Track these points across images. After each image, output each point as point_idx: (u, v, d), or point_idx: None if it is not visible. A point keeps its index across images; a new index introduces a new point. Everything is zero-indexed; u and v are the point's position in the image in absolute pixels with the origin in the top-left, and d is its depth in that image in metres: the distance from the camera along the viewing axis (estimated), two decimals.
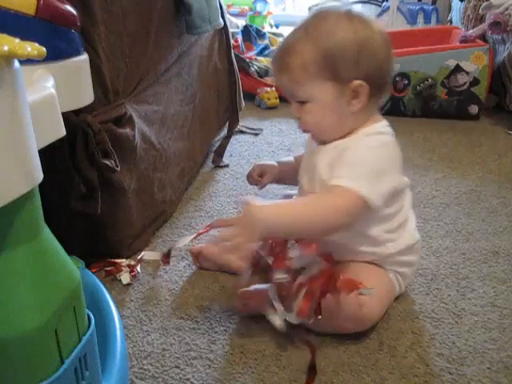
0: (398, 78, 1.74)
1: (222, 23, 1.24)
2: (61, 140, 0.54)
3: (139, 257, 0.94)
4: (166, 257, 0.89)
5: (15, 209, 0.41)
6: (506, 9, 1.67)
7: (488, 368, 0.71)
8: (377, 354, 0.74)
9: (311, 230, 0.72)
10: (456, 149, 1.51)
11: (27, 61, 0.40)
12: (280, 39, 2.49)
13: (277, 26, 3.15)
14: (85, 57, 0.66)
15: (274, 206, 0.74)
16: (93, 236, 0.90)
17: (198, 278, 0.90)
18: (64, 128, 0.54)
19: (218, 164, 1.37)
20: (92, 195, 0.82)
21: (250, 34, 2.31)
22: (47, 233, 0.46)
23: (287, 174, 0.93)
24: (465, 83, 1.71)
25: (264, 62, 2.04)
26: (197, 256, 0.91)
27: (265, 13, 3.11)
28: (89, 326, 0.51)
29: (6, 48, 0.36)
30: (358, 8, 3.32)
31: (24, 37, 0.39)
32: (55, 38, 0.61)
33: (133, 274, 0.90)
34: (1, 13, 0.56)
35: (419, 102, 1.75)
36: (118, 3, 0.83)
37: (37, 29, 0.58)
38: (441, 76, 1.71)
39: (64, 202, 0.81)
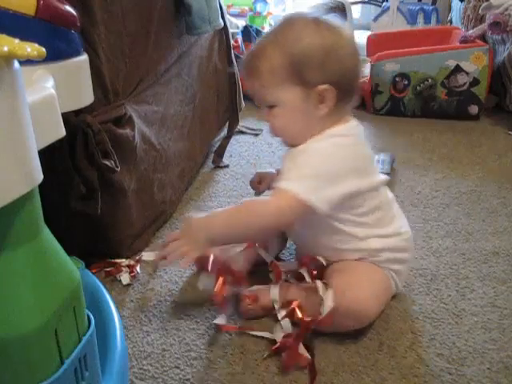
0: (398, 79, 1.74)
1: (222, 24, 1.24)
2: (61, 140, 0.54)
3: (139, 257, 0.94)
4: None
5: (15, 209, 0.41)
6: (506, 9, 1.67)
7: (488, 368, 0.71)
8: (377, 354, 0.74)
9: (249, 232, 0.76)
10: (456, 149, 1.51)
11: (27, 61, 0.40)
12: None
13: None
14: (85, 57, 0.66)
15: (212, 215, 0.77)
16: (93, 236, 0.90)
17: (197, 279, 0.90)
18: (64, 128, 0.54)
19: (217, 164, 1.37)
20: (92, 195, 0.82)
21: (250, 34, 2.31)
22: (47, 233, 0.46)
23: None
24: (465, 83, 1.71)
25: None
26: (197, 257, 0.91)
27: (265, 13, 3.11)
28: (89, 327, 0.50)
29: (5, 48, 0.36)
30: (357, 8, 3.32)
31: (24, 37, 0.39)
32: (55, 39, 0.61)
33: (133, 274, 0.90)
34: (0, 13, 0.56)
35: (419, 103, 1.75)
36: (117, 3, 0.83)
37: (36, 29, 0.58)
38: (441, 76, 1.71)
39: (64, 202, 0.81)
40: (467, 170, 1.36)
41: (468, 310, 0.83)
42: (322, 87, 0.73)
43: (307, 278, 0.78)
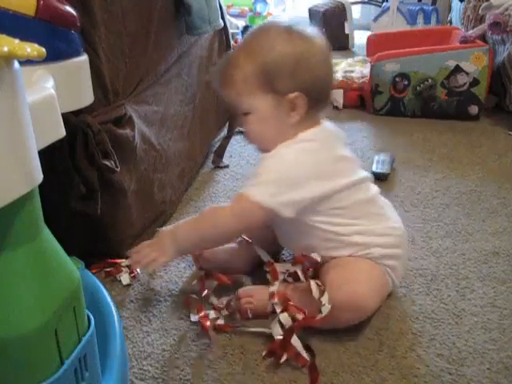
0: (398, 79, 1.74)
1: (222, 24, 1.24)
2: (61, 140, 0.54)
3: None
4: None
5: (15, 209, 0.41)
6: (506, 9, 1.67)
7: (488, 368, 0.71)
8: (377, 354, 0.74)
9: (212, 238, 0.80)
10: (456, 149, 1.51)
11: (27, 61, 0.40)
12: None
13: None
14: (85, 57, 0.66)
15: (179, 224, 0.82)
16: (93, 236, 0.90)
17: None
18: (64, 129, 0.54)
19: (217, 165, 1.37)
20: (92, 196, 0.82)
21: None
22: (47, 233, 0.46)
23: None
24: (465, 84, 1.71)
25: None
26: (197, 257, 0.91)
27: (265, 13, 3.11)
28: (89, 327, 0.50)
29: (5, 49, 0.36)
30: (357, 9, 3.33)
31: (24, 37, 0.39)
32: (55, 39, 0.61)
33: (133, 274, 0.90)
34: (0, 13, 0.56)
35: (419, 103, 1.75)
36: (117, 3, 0.83)
37: (36, 29, 0.58)
38: (441, 76, 1.71)
39: (64, 202, 0.81)
40: (467, 170, 1.36)
41: (468, 311, 0.83)
42: (292, 95, 0.75)
43: (301, 278, 0.78)
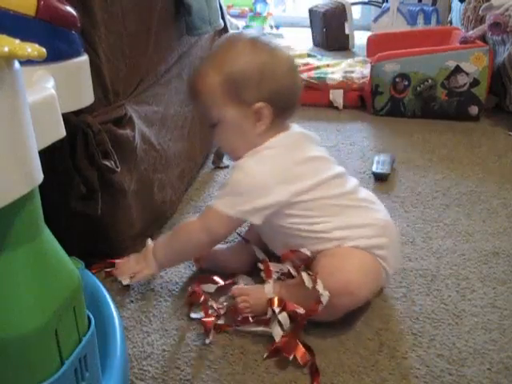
0: (398, 79, 1.74)
1: (222, 24, 1.24)
2: (61, 140, 0.54)
3: None
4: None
5: (15, 209, 0.41)
6: (506, 10, 1.67)
7: (488, 369, 0.71)
8: (377, 355, 0.74)
9: (186, 251, 0.84)
10: (456, 149, 1.51)
11: (27, 62, 0.40)
12: (280, 40, 2.50)
13: (277, 27, 3.16)
14: (85, 58, 0.66)
15: (158, 243, 0.85)
16: (93, 236, 0.90)
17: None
18: (64, 129, 0.54)
19: (217, 165, 1.37)
20: (92, 196, 0.82)
21: None
22: (47, 233, 0.46)
23: None
24: (465, 84, 1.71)
25: None
26: (197, 257, 0.91)
27: (265, 14, 3.12)
28: (89, 327, 0.50)
29: (6, 49, 0.36)
30: (357, 9, 3.33)
31: (24, 38, 0.39)
32: (55, 39, 0.61)
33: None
34: (1, 13, 0.56)
35: (419, 103, 1.75)
36: (118, 4, 0.83)
37: (37, 30, 0.58)
38: (441, 77, 1.71)
39: (64, 202, 0.81)
40: (467, 171, 1.36)
41: (468, 311, 0.83)
42: (258, 106, 0.77)
43: (292, 272, 0.79)
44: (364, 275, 0.75)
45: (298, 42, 2.77)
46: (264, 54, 0.78)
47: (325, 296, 0.71)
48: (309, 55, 2.25)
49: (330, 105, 1.87)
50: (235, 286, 0.83)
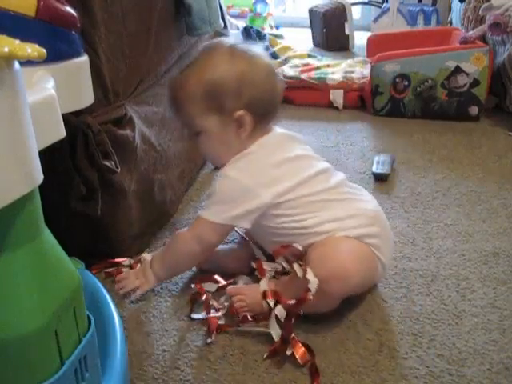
0: (398, 80, 1.74)
1: (222, 24, 1.24)
2: (61, 141, 0.54)
3: (139, 258, 0.94)
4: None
5: (15, 210, 0.41)
6: (506, 10, 1.67)
7: (488, 369, 0.71)
8: (377, 355, 0.74)
9: (182, 262, 0.85)
10: (456, 150, 1.51)
11: (27, 62, 0.40)
12: (280, 40, 2.50)
13: (277, 28, 3.16)
14: (85, 58, 0.66)
15: (155, 257, 0.85)
16: (93, 237, 0.90)
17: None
18: (64, 129, 0.54)
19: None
20: (92, 196, 0.82)
21: (251, 35, 2.31)
22: (47, 234, 0.46)
23: None
24: (465, 84, 1.71)
25: None
26: None
27: (265, 14, 3.12)
28: (89, 327, 0.50)
29: (6, 49, 0.36)
30: (357, 9, 3.33)
31: (24, 38, 0.39)
32: (55, 40, 0.61)
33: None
34: (1, 14, 0.56)
35: (419, 103, 1.75)
36: (118, 4, 0.83)
37: (37, 30, 0.58)
38: (441, 77, 1.71)
39: (64, 202, 0.81)
40: (467, 171, 1.36)
41: (468, 311, 0.83)
42: (238, 113, 0.78)
43: (284, 265, 0.79)
44: (354, 261, 0.75)
45: (298, 42, 2.77)
46: (242, 62, 0.79)
47: (313, 283, 0.71)
48: (309, 55, 2.25)
49: (330, 105, 1.87)
50: (231, 286, 0.84)
